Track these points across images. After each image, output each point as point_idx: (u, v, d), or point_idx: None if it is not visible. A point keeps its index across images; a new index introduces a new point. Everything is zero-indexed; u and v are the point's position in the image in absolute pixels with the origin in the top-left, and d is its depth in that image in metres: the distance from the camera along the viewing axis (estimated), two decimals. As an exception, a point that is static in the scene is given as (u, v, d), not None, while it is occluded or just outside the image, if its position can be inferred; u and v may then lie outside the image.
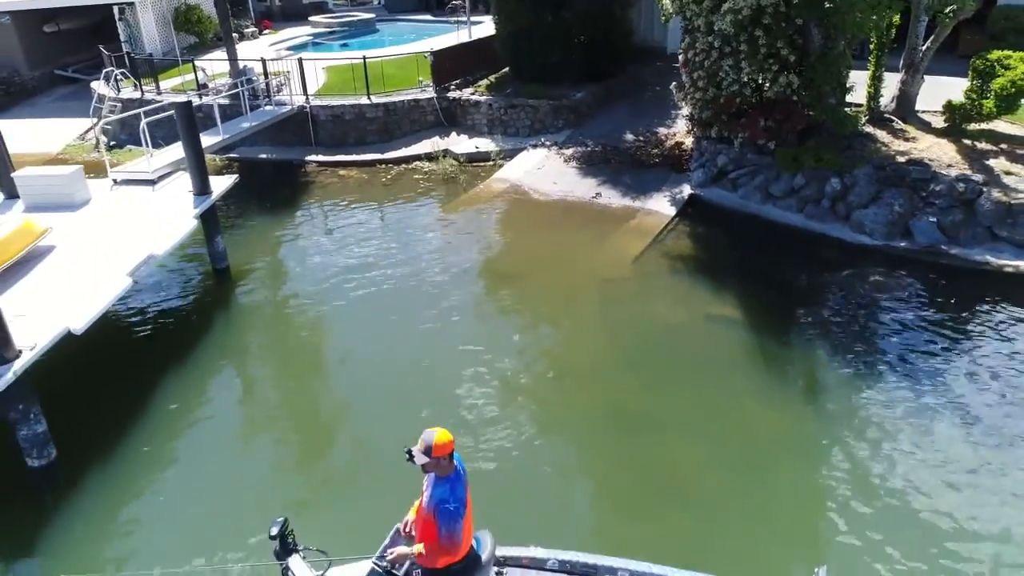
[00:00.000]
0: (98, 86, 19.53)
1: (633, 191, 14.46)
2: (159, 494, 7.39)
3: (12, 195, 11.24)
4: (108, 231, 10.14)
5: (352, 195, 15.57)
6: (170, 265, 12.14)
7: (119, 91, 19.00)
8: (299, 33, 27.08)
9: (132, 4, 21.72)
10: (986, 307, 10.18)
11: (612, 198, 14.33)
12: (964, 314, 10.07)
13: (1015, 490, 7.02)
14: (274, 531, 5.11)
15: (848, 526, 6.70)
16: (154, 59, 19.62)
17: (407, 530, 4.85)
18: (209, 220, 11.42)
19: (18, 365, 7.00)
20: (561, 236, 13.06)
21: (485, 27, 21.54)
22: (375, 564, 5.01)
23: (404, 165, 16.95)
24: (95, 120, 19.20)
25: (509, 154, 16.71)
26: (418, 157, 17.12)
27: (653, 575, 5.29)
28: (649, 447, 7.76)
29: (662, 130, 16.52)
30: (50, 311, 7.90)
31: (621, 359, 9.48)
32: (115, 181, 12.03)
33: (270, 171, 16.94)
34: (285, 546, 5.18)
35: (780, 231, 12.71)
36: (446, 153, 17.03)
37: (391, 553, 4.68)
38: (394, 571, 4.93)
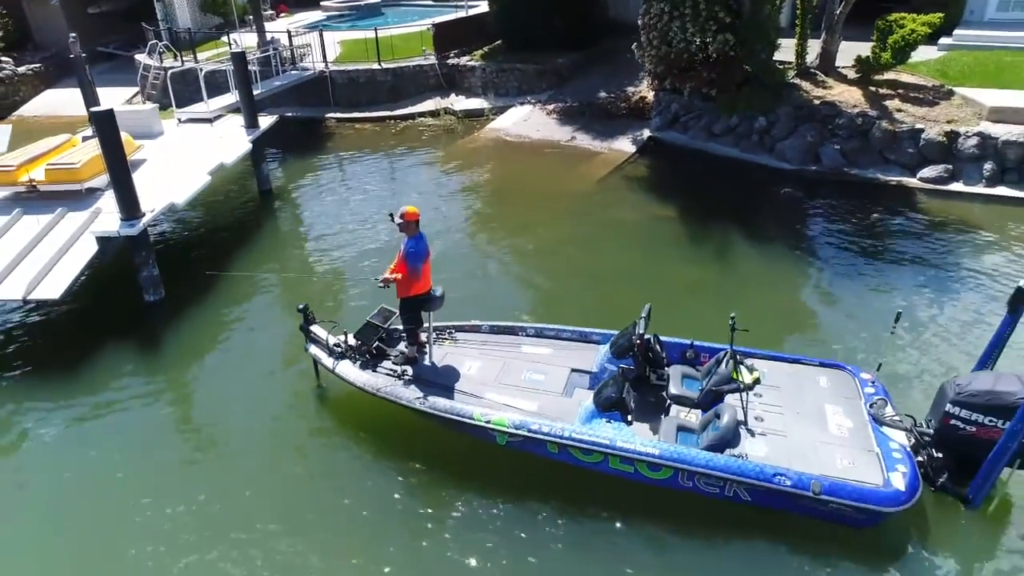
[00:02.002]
0: (143, 58, 22.38)
1: (602, 135, 17.35)
2: (231, 320, 10.23)
3: (100, 129, 14.09)
4: (184, 150, 13.02)
5: (366, 143, 18.43)
6: (229, 186, 15.01)
7: (161, 61, 21.83)
8: (312, 16, 29.85)
9: (168, -13, 24.56)
10: (871, 210, 12.99)
11: (584, 141, 17.22)
12: (854, 214, 12.90)
13: (842, 311, 9.91)
14: (300, 306, 8.07)
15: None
16: (192, 33, 22.41)
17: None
18: (257, 150, 14.26)
19: (143, 221, 9.89)
20: (540, 167, 15.94)
21: (481, 8, 24.37)
22: (368, 320, 7.97)
23: (410, 120, 19.84)
24: (141, 86, 22.09)
25: (500, 110, 19.59)
26: (422, 114, 20.01)
27: (551, 329, 8.25)
28: (593, 286, 10.65)
29: (630, 89, 19.36)
30: (157, 194, 10.76)
31: (580, 239, 12.37)
32: (179, 120, 14.91)
33: (296, 126, 19.72)
34: (307, 318, 8.18)
35: (719, 161, 15.57)
36: (446, 110, 19.93)
37: (380, 276, 7.51)
38: (378, 323, 7.89)
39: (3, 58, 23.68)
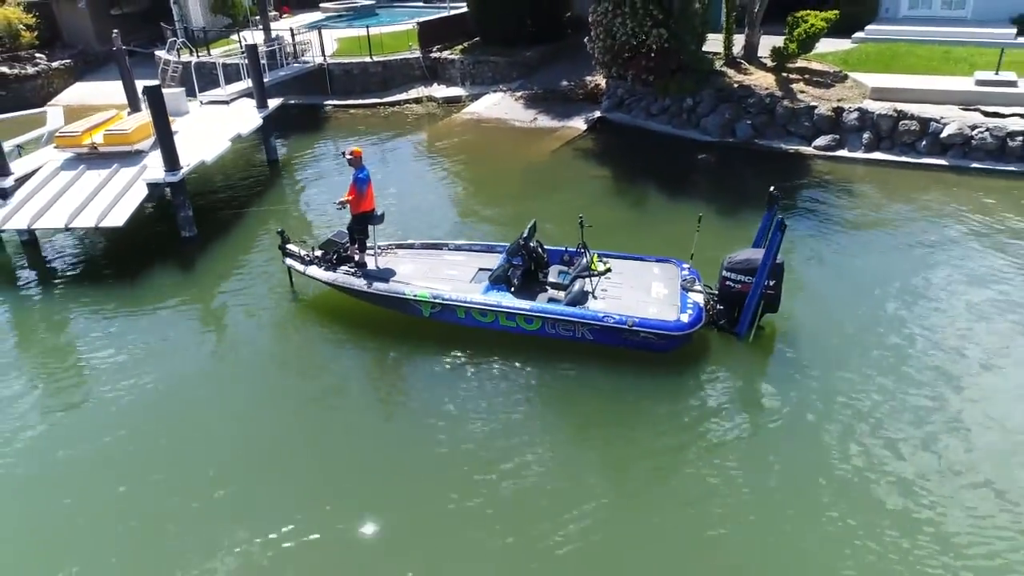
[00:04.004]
0: (162, 54, 25.33)
1: (560, 116, 20.29)
2: (245, 251, 13.10)
3: (137, 109, 17.06)
4: (208, 124, 15.97)
5: (360, 126, 21.37)
6: (243, 157, 17.96)
7: (179, 56, 24.76)
8: (312, 16, 32.80)
9: (183, -9, 27.56)
10: (773, 171, 15.87)
11: (545, 121, 20.15)
12: (757, 175, 15.79)
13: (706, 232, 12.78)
14: (278, 229, 10.94)
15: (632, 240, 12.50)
16: (206, 32, 25.37)
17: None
18: (266, 126, 17.19)
19: (182, 172, 12.83)
20: (505, 143, 18.88)
21: (462, 9, 27.33)
22: (329, 238, 10.86)
23: (397, 107, 22.78)
24: (161, 78, 25.02)
25: (475, 97, 22.53)
26: (408, 101, 22.96)
27: (466, 244, 11.11)
28: (529, 219, 13.54)
29: (588, 77, 22.27)
30: (190, 154, 13.69)
31: (527, 192, 15.34)
32: (201, 102, 17.85)
33: (298, 112, 22.63)
34: (284, 239, 10.97)
35: (655, 136, 18.51)
36: (429, 97, 22.88)
37: (338, 200, 10.42)
38: (337, 240, 10.72)
39: (37, 54, 26.63)
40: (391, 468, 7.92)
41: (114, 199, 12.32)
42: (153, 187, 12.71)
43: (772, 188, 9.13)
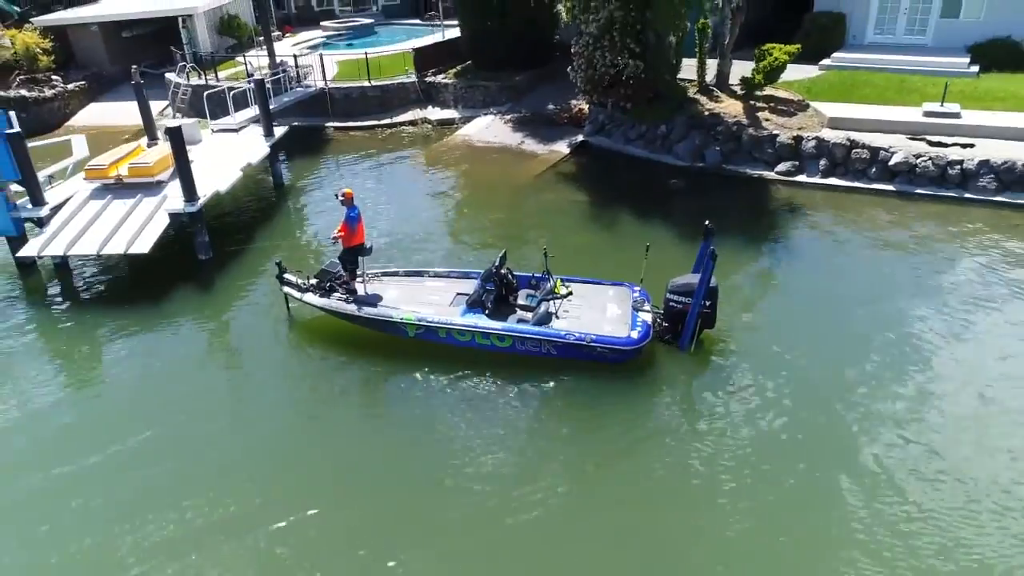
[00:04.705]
0: (173, 76, 26.81)
1: (546, 140, 21.77)
2: (254, 272, 14.56)
3: (154, 138, 18.56)
4: (220, 153, 17.45)
5: (359, 147, 22.86)
6: (252, 182, 19.43)
7: (188, 80, 26.25)
8: (314, 36, 34.29)
9: (191, 16, 29.07)
10: (737, 194, 17.40)
11: (531, 144, 21.64)
12: (722, 196, 17.29)
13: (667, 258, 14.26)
14: (276, 260, 12.32)
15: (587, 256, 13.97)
16: (213, 55, 26.86)
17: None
18: (273, 152, 18.68)
19: (200, 202, 14.31)
20: (494, 165, 20.37)
21: (455, 31, 28.81)
22: (323, 268, 12.28)
23: (394, 128, 24.27)
24: (171, 100, 26.53)
25: (467, 119, 24.02)
26: (404, 123, 24.45)
27: (445, 270, 12.55)
28: (506, 242, 14.99)
29: (572, 102, 23.70)
30: (206, 184, 15.16)
31: (510, 214, 16.87)
32: (212, 130, 19.34)
33: (301, 133, 24.10)
34: (281, 269, 12.27)
35: (632, 160, 19.98)
36: (424, 120, 24.39)
37: (331, 235, 11.87)
38: (331, 269, 12.14)
39: (54, 76, 28.10)
40: (381, 463, 9.43)
41: (140, 227, 13.80)
42: (174, 216, 14.19)
43: (707, 222, 10.64)
